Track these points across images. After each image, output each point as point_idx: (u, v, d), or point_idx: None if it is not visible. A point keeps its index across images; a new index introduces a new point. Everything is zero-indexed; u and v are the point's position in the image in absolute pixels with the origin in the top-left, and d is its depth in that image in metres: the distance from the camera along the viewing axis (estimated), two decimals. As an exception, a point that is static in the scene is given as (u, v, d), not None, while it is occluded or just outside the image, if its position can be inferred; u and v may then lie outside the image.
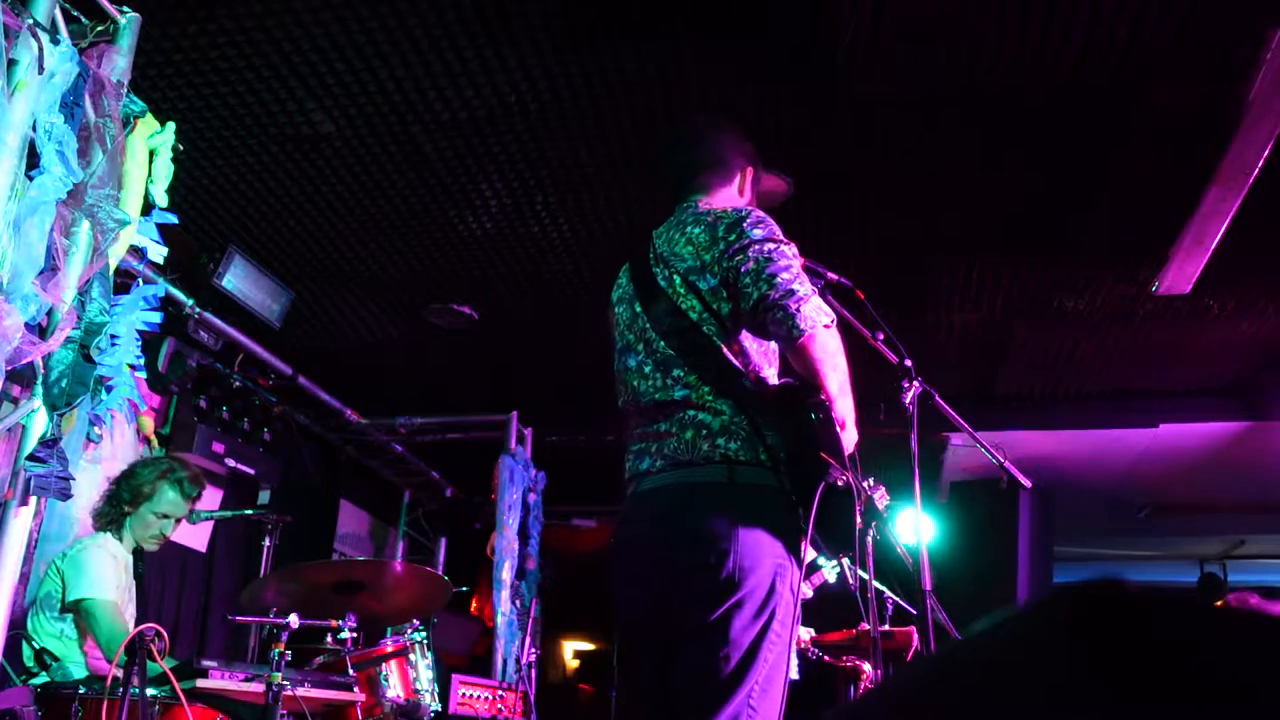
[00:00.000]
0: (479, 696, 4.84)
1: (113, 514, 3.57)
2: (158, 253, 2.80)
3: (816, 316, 2.02)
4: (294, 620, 2.90)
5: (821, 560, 4.43)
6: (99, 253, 2.45)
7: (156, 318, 2.90)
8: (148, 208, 2.72)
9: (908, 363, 2.58)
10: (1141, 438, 6.66)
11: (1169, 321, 5.28)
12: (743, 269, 2.10)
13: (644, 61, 3.52)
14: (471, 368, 6.34)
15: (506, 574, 6.13)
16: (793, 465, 2.06)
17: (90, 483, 4.03)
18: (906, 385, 2.59)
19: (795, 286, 2.04)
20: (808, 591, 4.40)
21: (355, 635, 3.37)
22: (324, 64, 3.55)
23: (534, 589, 6.33)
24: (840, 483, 2.00)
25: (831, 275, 2.57)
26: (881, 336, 2.62)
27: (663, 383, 2.18)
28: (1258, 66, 3.31)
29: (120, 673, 2.53)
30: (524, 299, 5.32)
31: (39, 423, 2.35)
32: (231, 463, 5.23)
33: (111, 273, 2.56)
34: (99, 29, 2.63)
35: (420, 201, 4.43)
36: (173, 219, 2.81)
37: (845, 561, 2.21)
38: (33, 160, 2.32)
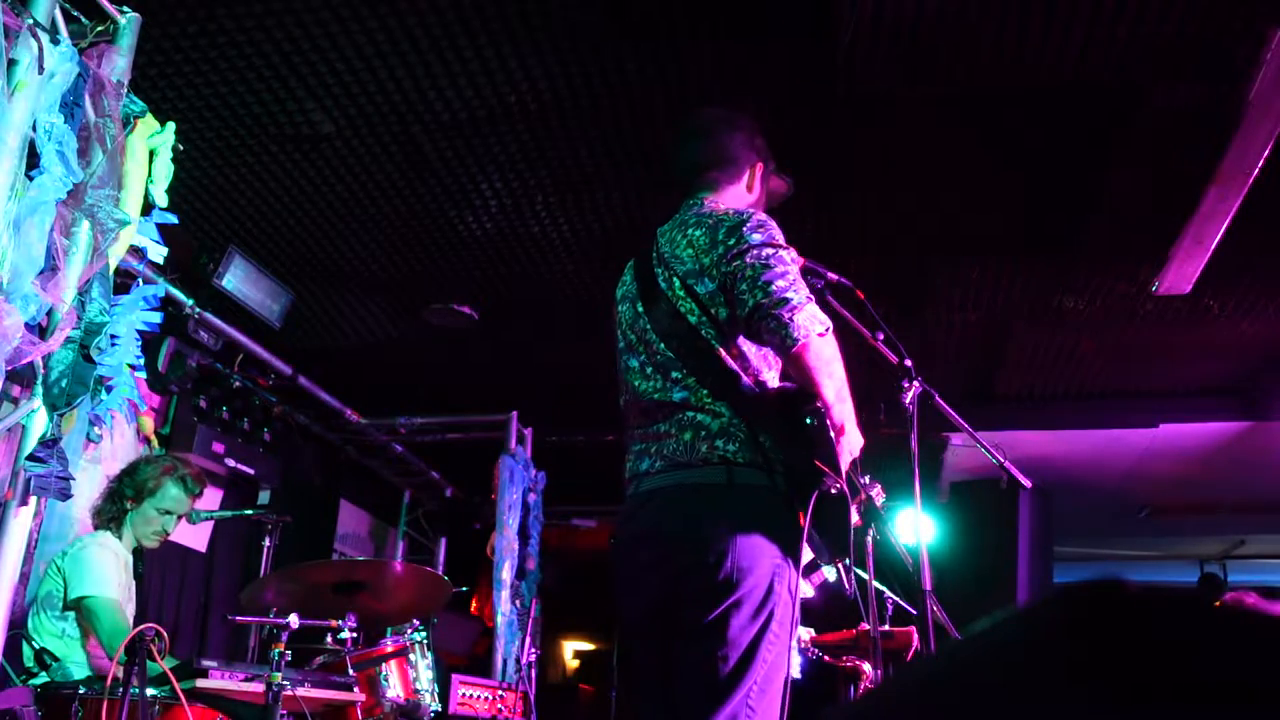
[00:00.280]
0: (479, 696, 4.84)
1: (114, 511, 3.56)
2: (158, 253, 2.80)
3: (810, 325, 2.00)
4: (294, 620, 2.89)
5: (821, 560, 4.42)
6: (99, 253, 2.45)
7: (156, 318, 2.90)
8: (148, 208, 2.72)
9: (908, 363, 2.58)
10: (1141, 438, 6.66)
11: (1169, 321, 5.28)
12: (739, 275, 2.09)
13: (644, 61, 3.52)
14: (471, 368, 6.34)
15: (506, 574, 6.13)
16: (788, 470, 2.06)
17: (90, 482, 4.03)
18: (906, 385, 2.58)
19: (790, 294, 2.03)
20: (809, 590, 4.40)
21: (355, 635, 3.37)
22: (324, 64, 3.55)
23: (534, 589, 6.34)
24: (834, 490, 2.00)
25: (831, 275, 2.57)
26: (881, 336, 2.62)
27: (662, 384, 2.18)
28: (1258, 66, 3.31)
29: (120, 672, 2.53)
30: (524, 299, 5.32)
31: (39, 423, 2.35)
32: (231, 463, 5.23)
33: (111, 273, 2.56)
34: (99, 29, 2.63)
35: (420, 201, 4.43)
36: (173, 219, 2.81)
37: (840, 567, 2.21)
38: (33, 160, 2.32)
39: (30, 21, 2.31)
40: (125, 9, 2.68)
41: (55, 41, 2.37)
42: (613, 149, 4.01)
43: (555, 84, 3.62)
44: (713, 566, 2.01)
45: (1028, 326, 5.43)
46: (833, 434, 2.04)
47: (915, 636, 4.60)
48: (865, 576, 4.11)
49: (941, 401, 2.62)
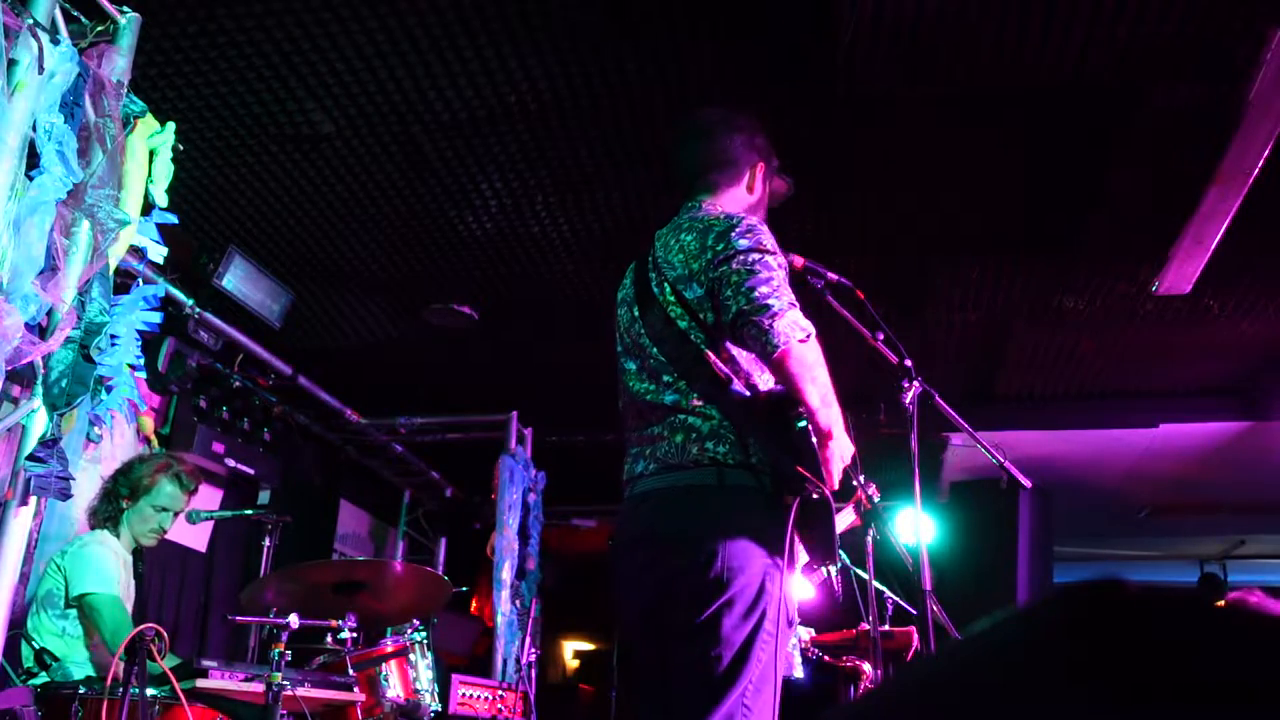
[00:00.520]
0: (479, 696, 4.84)
1: (110, 510, 3.57)
2: (158, 253, 2.80)
3: (791, 332, 2.01)
4: (294, 620, 2.90)
5: None
6: (99, 253, 2.45)
7: (156, 318, 2.90)
8: (148, 208, 2.72)
9: (908, 363, 2.58)
10: (1141, 438, 6.66)
11: (1169, 321, 5.28)
12: (724, 280, 2.10)
13: (644, 61, 3.52)
14: (471, 368, 6.34)
15: (506, 574, 6.13)
16: (774, 473, 2.08)
17: (90, 483, 4.03)
18: (906, 385, 2.58)
19: (771, 301, 2.04)
20: (810, 590, 4.40)
21: (355, 635, 3.37)
22: (324, 64, 3.55)
23: (534, 589, 6.34)
24: (815, 495, 2.01)
25: (831, 275, 2.57)
26: (881, 336, 2.62)
27: (655, 387, 2.20)
28: (1258, 66, 3.31)
29: (121, 672, 2.53)
30: (524, 299, 5.32)
31: (39, 423, 2.35)
32: (231, 463, 5.23)
33: (111, 273, 2.56)
34: (99, 29, 2.63)
35: (420, 201, 4.43)
36: (173, 219, 2.81)
37: (828, 571, 2.21)
38: (33, 160, 2.32)
39: (30, 21, 2.31)
40: (125, 9, 2.68)
41: (55, 41, 2.37)
42: (613, 149, 4.01)
43: (555, 84, 3.62)
44: (704, 567, 2.02)
45: (1028, 326, 5.43)
46: (816, 440, 2.05)
47: (915, 636, 4.60)
48: (865, 576, 4.11)
49: (941, 401, 2.62)
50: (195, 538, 5.37)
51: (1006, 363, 5.89)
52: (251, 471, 5.40)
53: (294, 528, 4.00)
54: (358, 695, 3.29)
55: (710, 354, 2.14)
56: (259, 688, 2.79)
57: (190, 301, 4.65)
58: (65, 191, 2.35)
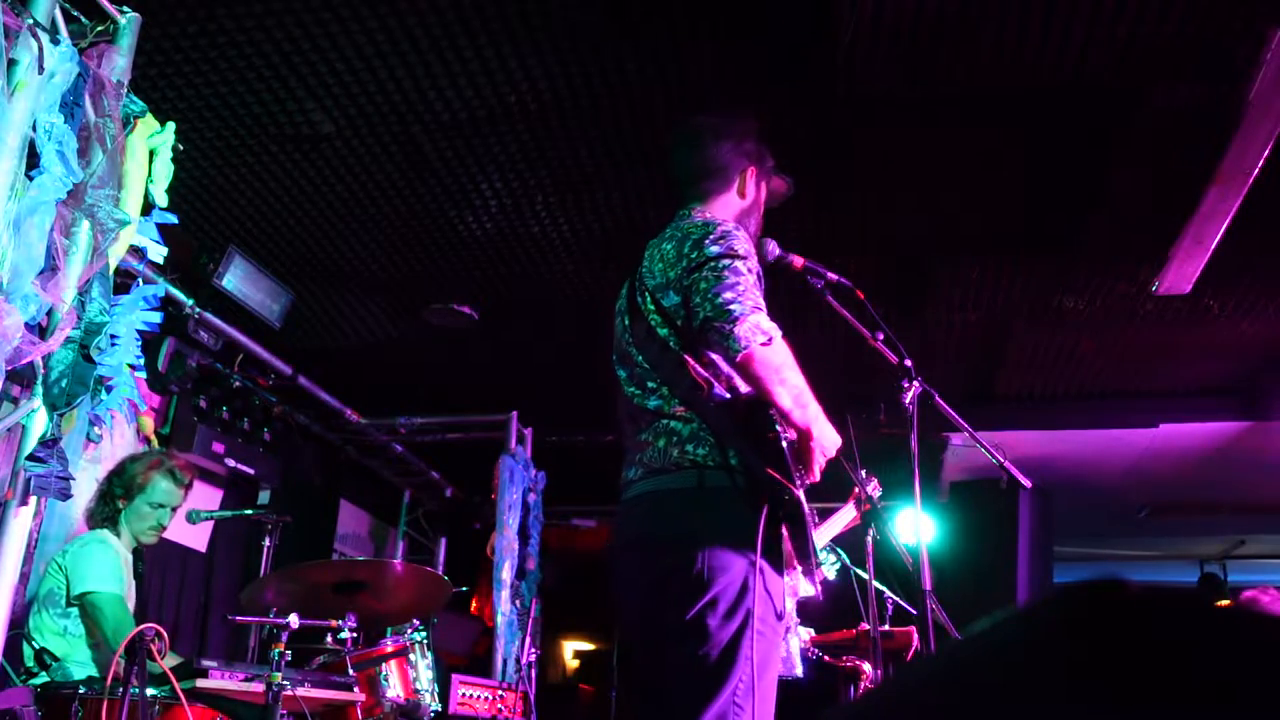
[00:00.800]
0: (479, 696, 4.84)
1: (107, 511, 3.57)
2: (158, 253, 2.80)
3: (752, 335, 2.03)
4: (294, 620, 2.90)
5: (821, 555, 4.43)
6: (99, 253, 2.45)
7: (156, 318, 2.90)
8: (148, 208, 2.72)
9: (908, 363, 2.58)
10: (1141, 438, 6.66)
11: (1169, 321, 5.28)
12: (694, 287, 2.14)
13: (644, 61, 3.52)
14: (471, 368, 6.34)
15: (506, 574, 6.13)
16: (747, 476, 2.10)
17: (90, 483, 4.03)
18: (906, 385, 2.58)
19: (734, 306, 2.06)
20: (810, 589, 4.39)
21: (355, 635, 3.37)
22: (324, 64, 3.55)
23: (534, 589, 6.34)
24: (786, 497, 2.03)
25: (831, 275, 2.57)
26: (881, 336, 2.62)
27: (641, 394, 2.26)
28: (1258, 66, 3.31)
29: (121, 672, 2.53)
30: (524, 299, 5.32)
31: (39, 423, 2.35)
32: (231, 463, 5.23)
33: (111, 273, 2.56)
34: (99, 29, 2.63)
35: (420, 201, 4.43)
36: (173, 219, 2.81)
37: (803, 570, 2.22)
38: (33, 160, 2.32)
39: (30, 21, 2.31)
40: (125, 9, 2.68)
41: (55, 41, 2.37)
42: (613, 149, 4.01)
43: (555, 84, 3.62)
44: (687, 567, 2.06)
45: (1028, 326, 5.43)
46: (797, 440, 2.07)
47: (915, 636, 4.60)
48: (865, 576, 4.11)
49: (941, 401, 2.62)
50: (195, 538, 5.37)
51: (1006, 363, 5.89)
52: (251, 471, 5.40)
53: (294, 528, 4.00)
54: (358, 695, 3.29)
55: (690, 360, 2.18)
56: (259, 688, 2.79)
57: (190, 301, 4.65)
58: (65, 191, 2.35)
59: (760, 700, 2.02)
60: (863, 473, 3.78)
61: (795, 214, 4.30)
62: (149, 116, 2.69)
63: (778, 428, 2.06)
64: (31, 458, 2.30)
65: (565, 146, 4.00)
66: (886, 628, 4.58)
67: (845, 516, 4.14)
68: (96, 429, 3.67)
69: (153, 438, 4.82)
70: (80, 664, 3.29)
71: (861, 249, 4.71)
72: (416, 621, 3.86)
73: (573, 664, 12.02)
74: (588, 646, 11.88)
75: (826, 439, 2.16)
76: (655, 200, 4.30)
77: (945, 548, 6.62)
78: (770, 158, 2.51)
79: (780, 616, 2.10)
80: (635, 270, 2.38)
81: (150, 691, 2.62)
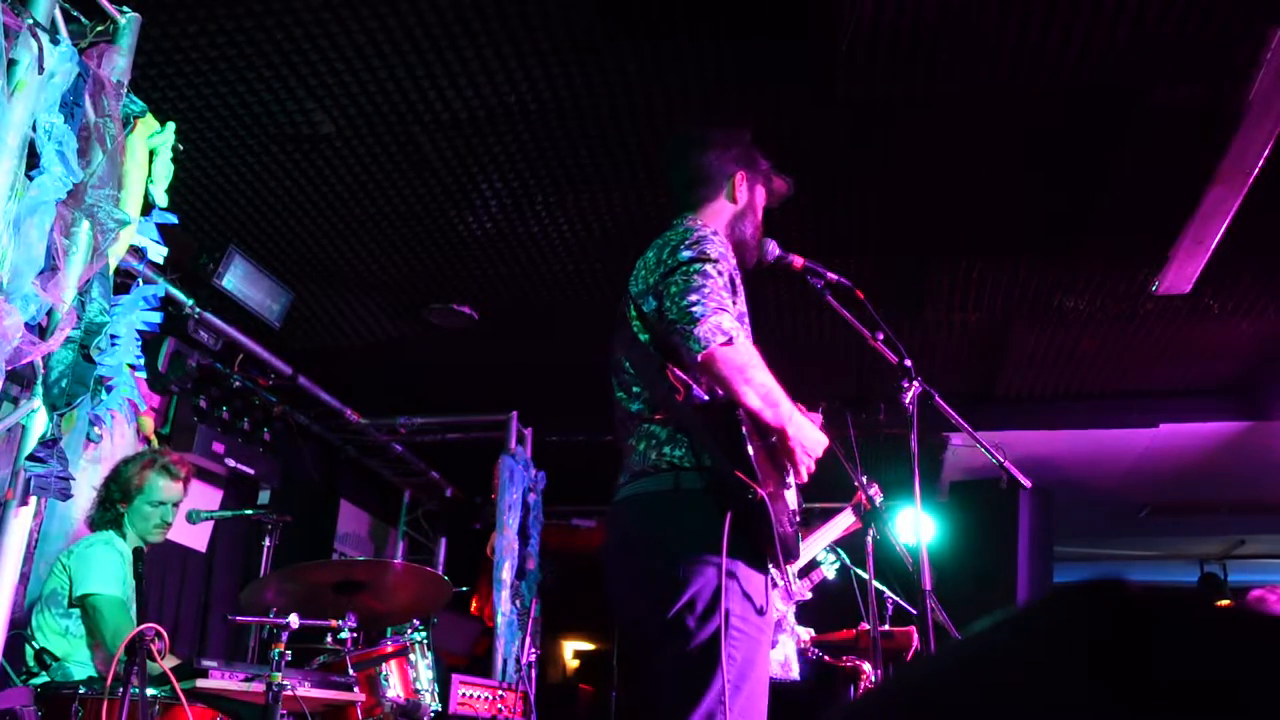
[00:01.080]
0: (479, 696, 4.84)
1: (109, 515, 3.57)
2: (158, 253, 2.80)
3: (711, 336, 2.05)
4: (294, 620, 2.89)
5: (820, 555, 4.43)
6: (99, 253, 2.45)
7: (156, 318, 2.90)
8: (148, 208, 2.72)
9: (907, 363, 2.59)
10: (1141, 438, 6.66)
11: (1169, 321, 5.28)
12: (665, 292, 2.18)
13: (644, 61, 3.52)
14: (471, 368, 6.34)
15: (506, 574, 6.13)
16: (714, 476, 2.11)
17: (90, 483, 4.03)
18: (906, 385, 2.59)
19: (695, 309, 2.08)
20: (806, 593, 4.40)
21: (355, 635, 3.37)
22: (324, 64, 3.55)
23: (534, 589, 6.34)
24: (750, 497, 2.04)
25: (831, 275, 2.58)
26: (881, 336, 2.63)
27: (627, 399, 2.30)
28: (1258, 66, 3.31)
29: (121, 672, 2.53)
30: (524, 299, 5.32)
31: (39, 423, 2.35)
32: (231, 463, 5.23)
33: (111, 273, 2.56)
34: (99, 29, 2.63)
35: (420, 201, 4.43)
36: (173, 219, 2.81)
37: (776, 572, 2.23)
38: (33, 160, 2.32)
39: (30, 21, 2.31)
40: (125, 9, 2.68)
41: (55, 41, 2.37)
42: (613, 149, 4.01)
43: (555, 84, 3.62)
44: (665, 569, 2.09)
45: (1028, 326, 5.43)
46: (751, 445, 2.08)
47: (915, 636, 4.60)
48: (865, 576, 4.11)
49: (941, 401, 2.62)
50: (195, 538, 5.37)
51: (1006, 363, 5.89)
52: (251, 471, 5.40)
53: (294, 528, 4.00)
54: (358, 695, 3.29)
55: (670, 364, 2.20)
56: (259, 688, 2.79)
57: (190, 301, 4.65)
58: (65, 191, 2.35)
59: (748, 699, 2.03)
60: (864, 478, 3.78)
61: (795, 214, 4.30)
62: (149, 116, 2.69)
63: (744, 429, 2.07)
64: (31, 458, 2.30)
65: (565, 146, 4.00)
66: (886, 628, 4.59)
67: (843, 522, 4.14)
68: (96, 429, 3.66)
69: (153, 438, 4.82)
70: (81, 664, 3.29)
71: (861, 249, 4.71)
72: (416, 621, 3.86)
73: (573, 664, 12.02)
74: (588, 646, 11.88)
75: (807, 438, 2.18)
76: (655, 200, 4.30)
77: (945, 548, 6.62)
78: (763, 160, 2.53)
79: (761, 613, 2.10)
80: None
81: (150, 691, 2.62)
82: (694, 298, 2.10)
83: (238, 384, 5.33)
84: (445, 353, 6.05)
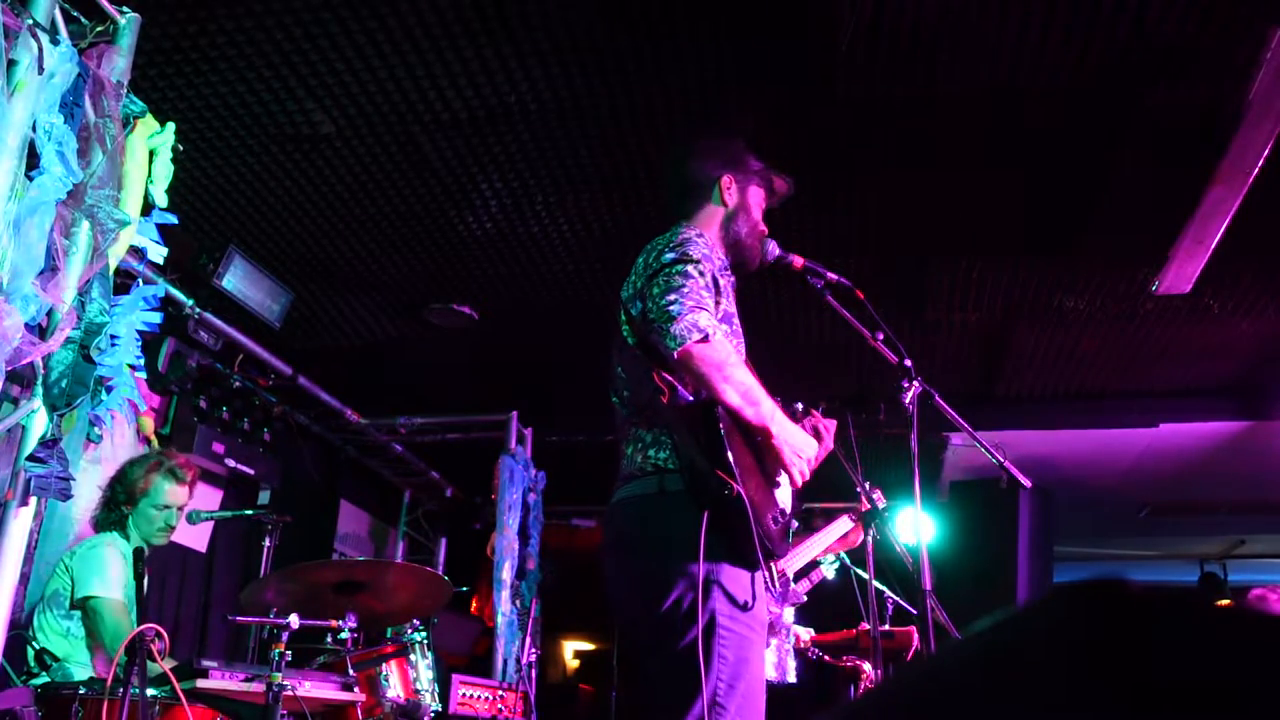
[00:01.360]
0: (479, 696, 4.84)
1: (113, 517, 3.57)
2: (158, 253, 2.80)
3: (687, 334, 2.07)
4: (294, 620, 2.89)
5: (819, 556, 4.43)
6: (99, 253, 2.45)
7: (156, 318, 2.90)
8: (148, 208, 2.72)
9: (907, 363, 2.58)
10: (1141, 438, 6.66)
11: (1169, 321, 5.28)
12: (648, 294, 2.21)
13: (644, 61, 3.52)
14: (471, 368, 6.34)
15: (506, 574, 6.13)
16: (693, 475, 2.12)
17: (90, 483, 4.03)
18: (906, 385, 2.59)
19: (673, 307, 2.11)
20: (802, 595, 4.40)
21: (355, 635, 3.37)
22: (324, 64, 3.55)
23: (534, 589, 6.34)
24: (727, 493, 2.04)
25: (831, 275, 2.58)
26: (881, 336, 2.63)
27: (620, 403, 2.33)
28: (1258, 66, 3.31)
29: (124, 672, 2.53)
30: (524, 299, 5.32)
31: (39, 423, 2.35)
32: (231, 463, 5.23)
33: (111, 273, 2.56)
34: (99, 29, 2.63)
35: (420, 201, 4.43)
36: (173, 219, 2.81)
37: (766, 570, 2.23)
38: (33, 160, 2.32)
39: (30, 22, 2.31)
40: (125, 9, 2.68)
41: (55, 42, 2.37)
42: (613, 149, 4.01)
43: (555, 84, 3.62)
44: (652, 571, 2.11)
45: (1028, 326, 5.43)
46: (727, 441, 2.09)
47: (915, 636, 4.60)
48: (865, 576, 4.11)
49: (941, 401, 2.62)
50: (195, 538, 5.37)
51: (1006, 363, 5.89)
52: (251, 471, 5.40)
53: (294, 528, 4.00)
54: (358, 695, 3.28)
55: (656, 366, 2.22)
56: (259, 688, 2.79)
57: (190, 301, 4.65)
58: (65, 191, 2.35)
59: (744, 697, 2.03)
60: (867, 484, 3.79)
61: (795, 214, 4.30)
62: (149, 116, 2.69)
63: (721, 426, 2.08)
64: (31, 458, 2.30)
65: (565, 146, 4.00)
66: (886, 628, 4.59)
67: (841, 528, 4.13)
68: (96, 429, 3.67)
69: (153, 438, 4.82)
70: (81, 665, 3.29)
71: (861, 249, 4.71)
72: (416, 621, 3.86)
73: (573, 664, 12.02)
74: (588, 646, 11.87)
75: (793, 437, 2.19)
76: (655, 201, 4.30)
77: (945, 548, 6.62)
78: (755, 162, 2.54)
79: (747, 609, 2.10)
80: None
81: (150, 692, 2.62)
82: (672, 297, 2.13)
83: (238, 384, 5.32)
84: (445, 353, 6.05)
